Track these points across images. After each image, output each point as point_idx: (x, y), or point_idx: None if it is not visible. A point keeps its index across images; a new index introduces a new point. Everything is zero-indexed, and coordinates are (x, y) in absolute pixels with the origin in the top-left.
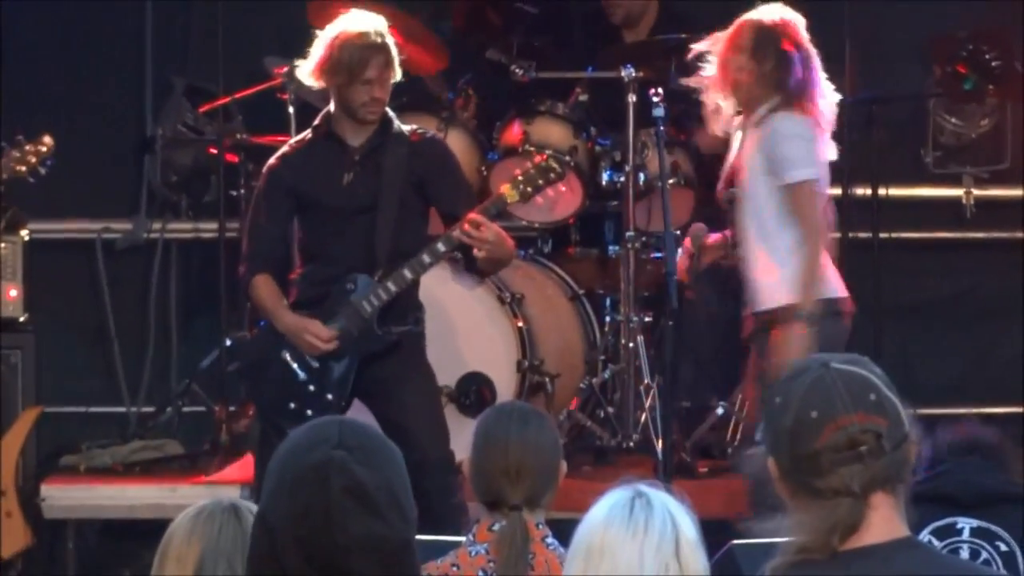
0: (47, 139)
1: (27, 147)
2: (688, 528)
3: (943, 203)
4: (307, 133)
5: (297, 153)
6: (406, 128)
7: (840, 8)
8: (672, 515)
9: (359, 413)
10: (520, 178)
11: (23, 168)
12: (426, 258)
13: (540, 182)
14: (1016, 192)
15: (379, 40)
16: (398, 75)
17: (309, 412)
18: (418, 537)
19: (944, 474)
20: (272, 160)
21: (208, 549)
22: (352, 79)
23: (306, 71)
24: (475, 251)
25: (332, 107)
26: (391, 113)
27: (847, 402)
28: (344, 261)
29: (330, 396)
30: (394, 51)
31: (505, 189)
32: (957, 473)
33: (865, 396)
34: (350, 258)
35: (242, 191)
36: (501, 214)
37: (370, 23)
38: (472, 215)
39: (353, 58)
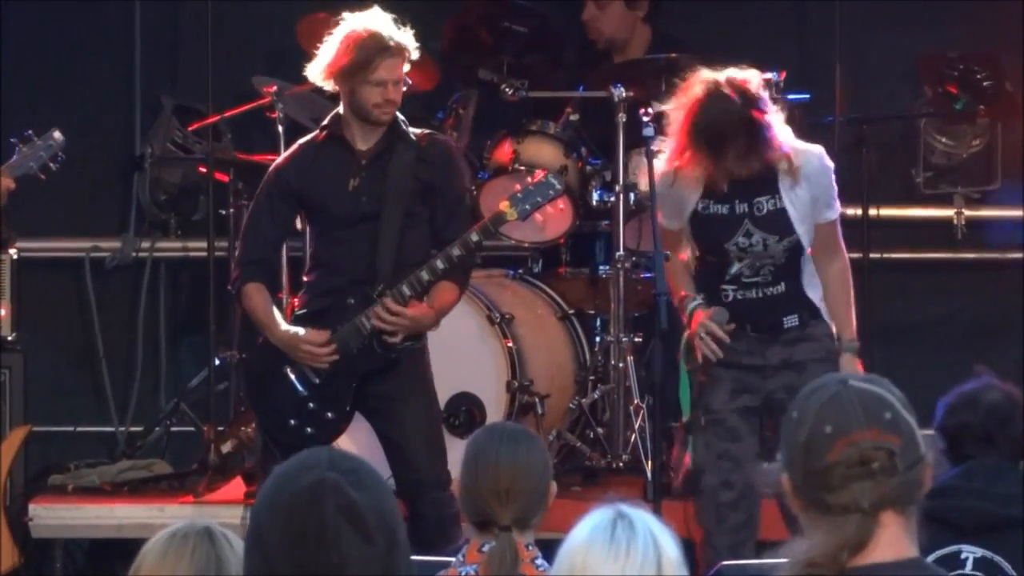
0: (57, 135)
1: (38, 142)
2: (670, 549)
3: (934, 223)
4: (315, 134)
5: (304, 155)
6: (415, 131)
7: (831, 28)
8: (654, 536)
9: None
10: (519, 195)
11: (33, 164)
12: (425, 275)
13: (539, 199)
14: (1006, 212)
15: (392, 41)
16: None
17: (309, 430)
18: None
19: (948, 492)
20: (278, 161)
21: (180, 572)
22: (364, 79)
23: (316, 71)
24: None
25: (341, 109)
26: (400, 117)
27: (861, 419)
28: (347, 271)
29: (330, 414)
30: (410, 52)
31: (504, 206)
32: (961, 493)
33: (880, 414)
34: (353, 268)
35: (231, 210)
36: (494, 232)
37: (383, 23)
38: (386, 303)
39: (365, 58)
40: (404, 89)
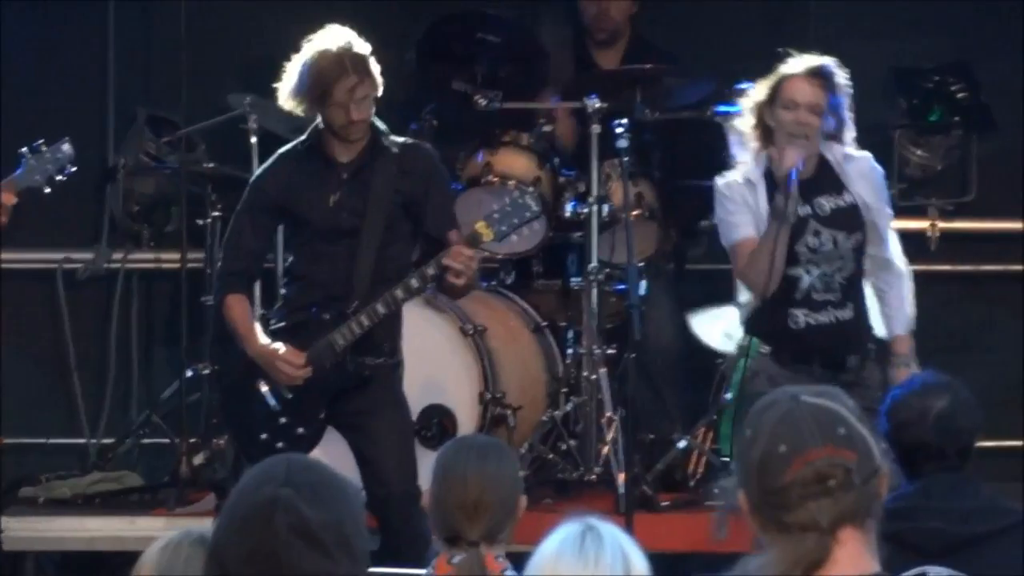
0: (67, 147)
1: (46, 153)
2: (639, 562)
3: (908, 235)
4: (297, 144)
5: (284, 167)
6: (397, 140)
7: (805, 39)
8: (623, 549)
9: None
10: (496, 215)
11: (39, 178)
12: (399, 294)
13: (515, 220)
14: (980, 224)
15: (348, 61)
16: (379, 90)
17: (280, 444)
18: (380, 570)
19: (907, 513)
20: (259, 172)
21: None
22: (326, 104)
23: (282, 99)
24: (450, 278)
25: (320, 122)
26: (382, 127)
27: (816, 436)
28: (324, 287)
29: (301, 430)
30: (370, 66)
31: (481, 227)
32: (921, 514)
33: (834, 430)
34: (330, 284)
35: (207, 221)
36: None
37: (339, 41)
38: (459, 248)
39: (322, 83)
40: (372, 101)
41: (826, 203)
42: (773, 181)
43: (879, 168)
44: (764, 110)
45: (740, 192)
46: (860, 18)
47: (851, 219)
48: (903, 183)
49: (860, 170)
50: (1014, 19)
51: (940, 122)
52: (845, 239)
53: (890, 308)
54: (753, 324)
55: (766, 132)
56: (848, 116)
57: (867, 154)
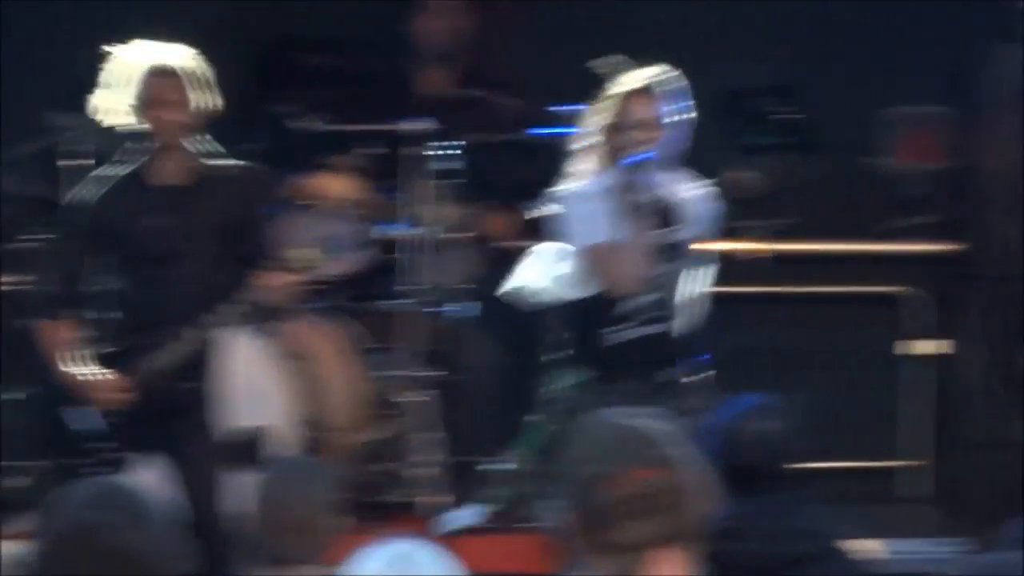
0: None
1: None
2: None
3: (736, 257)
4: (117, 165)
5: (105, 189)
6: (222, 163)
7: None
8: (440, 570)
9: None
10: (320, 241)
11: None
12: (221, 318)
13: (340, 246)
14: (807, 246)
15: (153, 62)
16: (197, 102)
17: (100, 468)
18: None
19: (733, 534)
20: (78, 194)
21: None
22: (141, 110)
23: (101, 108)
24: (272, 302)
25: (141, 143)
26: (207, 148)
27: (638, 455)
28: (148, 311)
29: (121, 454)
30: (181, 70)
31: (305, 252)
32: (746, 535)
33: (655, 450)
34: (153, 308)
35: (21, 243)
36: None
37: (154, 50)
38: (282, 273)
39: (140, 88)
40: (189, 111)
41: (667, 234)
42: (621, 192)
43: (710, 197)
44: (606, 129)
45: (590, 198)
46: (685, 39)
47: (679, 247)
48: (730, 205)
49: (692, 200)
50: (841, 41)
51: (768, 144)
52: (674, 266)
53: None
54: (572, 342)
55: (609, 150)
56: (685, 126)
57: (698, 183)
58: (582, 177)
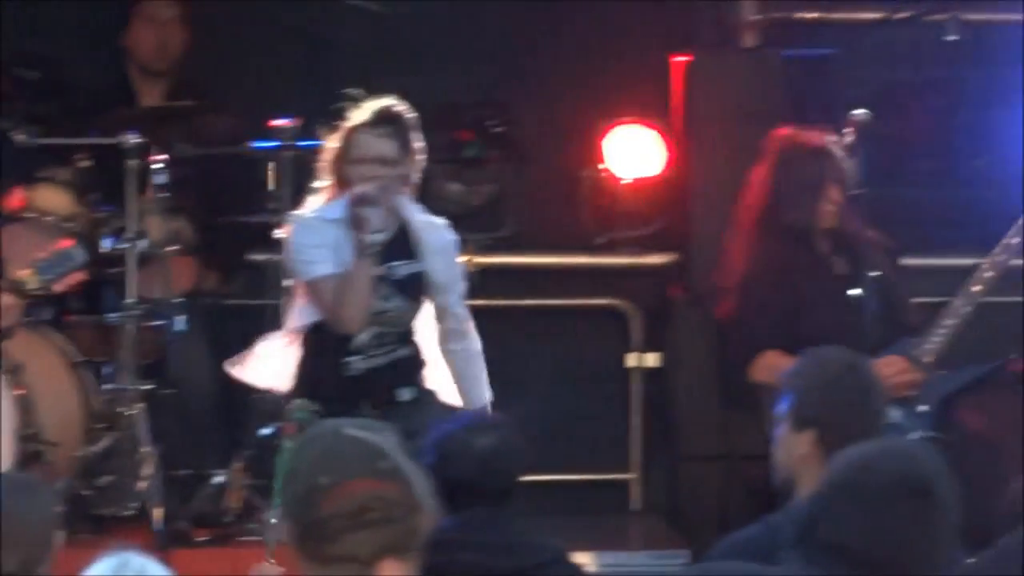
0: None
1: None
2: None
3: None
4: None
5: None
6: None
7: (341, 73)
8: None
9: None
10: (41, 264)
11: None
12: None
13: (60, 271)
14: (517, 259)
15: None
16: None
17: None
18: None
19: (443, 546)
20: None
21: None
22: None
23: None
24: None
25: None
26: None
27: (357, 468)
28: None
29: None
30: None
31: (26, 274)
32: (455, 547)
33: (376, 463)
34: None
35: None
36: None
37: None
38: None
39: None
40: None
41: (400, 268)
42: (353, 222)
43: (453, 238)
44: (337, 162)
45: (319, 228)
46: (397, 52)
47: (420, 288)
48: (441, 218)
49: (438, 243)
50: (546, 54)
51: (476, 157)
52: (411, 307)
53: (467, 383)
54: (302, 369)
55: (342, 183)
56: (416, 159)
57: (442, 222)
58: (315, 204)
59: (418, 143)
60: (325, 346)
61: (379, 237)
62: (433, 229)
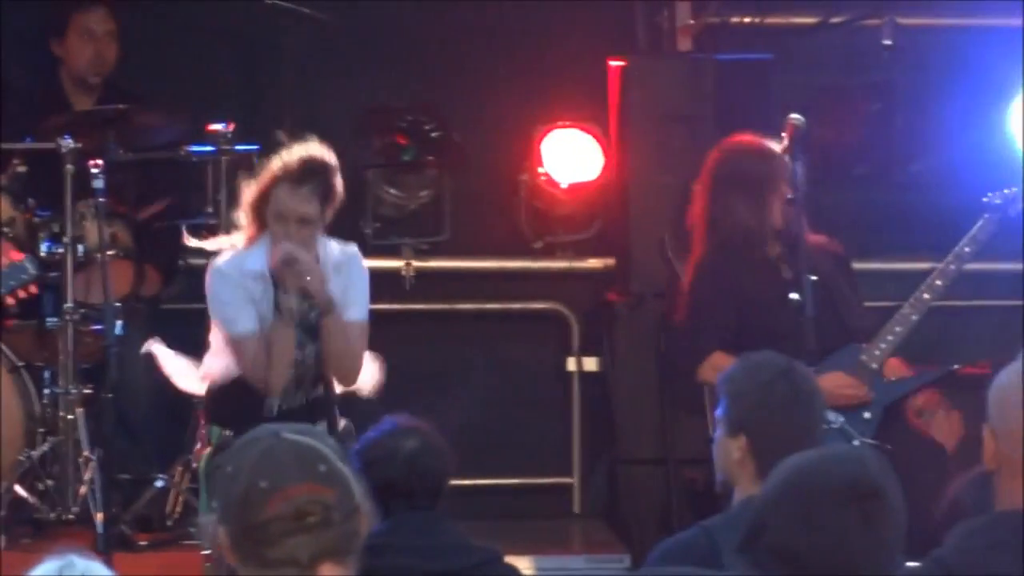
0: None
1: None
2: None
3: (383, 275)
4: None
5: None
6: None
7: (279, 77)
8: None
9: None
10: None
11: None
12: None
13: (12, 283)
14: (454, 263)
15: None
16: None
17: None
18: None
19: (376, 551)
20: None
21: None
22: None
23: None
24: None
25: None
26: None
27: (295, 472)
28: None
29: None
30: None
31: None
32: (388, 551)
33: (314, 467)
34: None
35: None
36: None
37: None
38: None
39: None
40: None
41: (313, 313)
42: (277, 282)
43: (364, 271)
44: (258, 206)
45: (240, 282)
46: (333, 56)
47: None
48: (377, 223)
49: (349, 278)
50: (481, 58)
51: (413, 161)
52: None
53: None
54: (219, 407)
55: (261, 226)
56: (334, 205)
57: (353, 250)
58: (235, 251)
59: (339, 187)
60: (243, 388)
61: (300, 304)
62: (348, 265)
